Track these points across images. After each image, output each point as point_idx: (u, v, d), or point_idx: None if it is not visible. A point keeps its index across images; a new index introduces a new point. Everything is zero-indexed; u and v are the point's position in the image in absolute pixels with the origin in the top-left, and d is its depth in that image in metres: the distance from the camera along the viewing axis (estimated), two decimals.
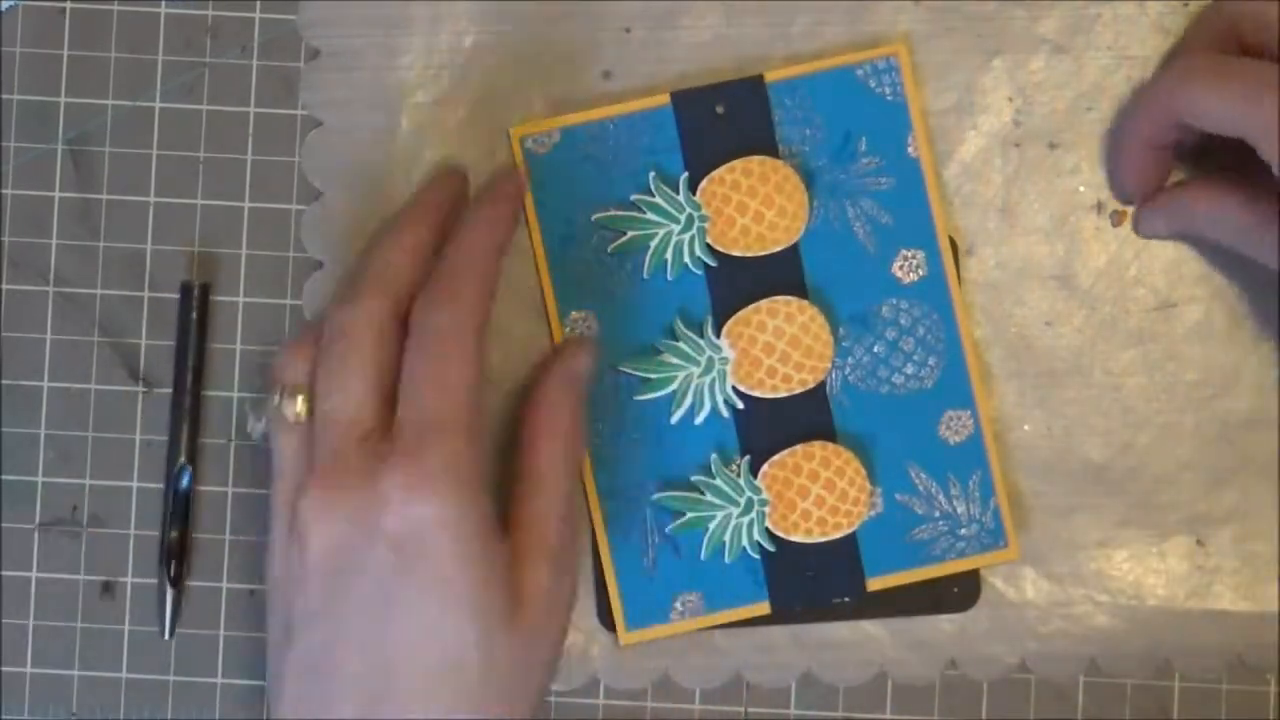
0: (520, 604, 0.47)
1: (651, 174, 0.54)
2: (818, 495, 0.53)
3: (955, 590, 0.56)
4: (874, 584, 0.54)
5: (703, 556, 0.53)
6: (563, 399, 0.51)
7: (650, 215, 0.53)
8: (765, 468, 0.53)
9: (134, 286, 0.57)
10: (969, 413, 0.54)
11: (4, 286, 0.57)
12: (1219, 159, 0.55)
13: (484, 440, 0.47)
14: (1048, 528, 0.57)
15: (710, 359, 0.53)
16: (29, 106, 0.57)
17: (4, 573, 0.57)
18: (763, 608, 0.54)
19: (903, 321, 0.54)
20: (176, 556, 0.56)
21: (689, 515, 0.53)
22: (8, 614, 0.57)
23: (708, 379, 0.53)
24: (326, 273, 0.57)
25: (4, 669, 0.57)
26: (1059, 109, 0.57)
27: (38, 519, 0.57)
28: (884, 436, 0.54)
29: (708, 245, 0.53)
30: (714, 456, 0.53)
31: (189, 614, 0.57)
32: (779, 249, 0.53)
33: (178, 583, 0.56)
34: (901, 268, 0.54)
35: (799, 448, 0.53)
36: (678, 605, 0.54)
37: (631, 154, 0.54)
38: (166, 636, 0.57)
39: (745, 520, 0.53)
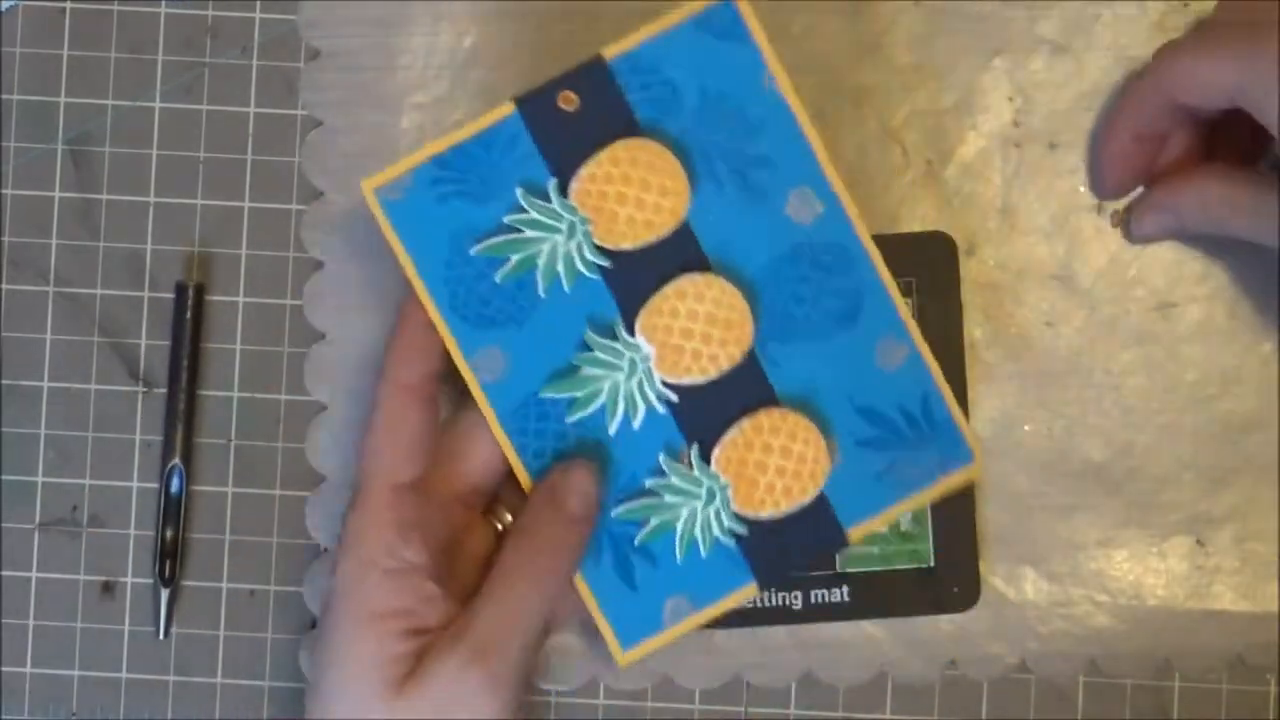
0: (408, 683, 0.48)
1: (518, 189, 0.51)
2: (777, 465, 0.52)
3: (955, 590, 0.56)
4: (854, 533, 0.53)
5: (679, 558, 0.52)
6: (540, 510, 0.51)
7: (529, 233, 0.51)
8: (716, 452, 0.52)
9: (134, 286, 0.57)
10: (901, 337, 0.52)
11: (4, 286, 0.57)
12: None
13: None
14: (1048, 528, 0.57)
15: (631, 360, 0.52)
16: (29, 106, 0.57)
17: (4, 573, 0.57)
18: (750, 589, 0.53)
19: (811, 263, 0.52)
20: (170, 556, 0.56)
21: (654, 522, 0.52)
22: (8, 614, 0.57)
23: (634, 381, 0.52)
24: (326, 273, 0.57)
25: (4, 669, 0.57)
26: (1059, 109, 0.57)
27: (38, 519, 0.57)
28: (824, 384, 0.52)
29: (596, 246, 0.51)
30: (662, 456, 0.52)
31: (188, 614, 0.57)
32: (670, 230, 0.51)
33: (171, 582, 0.56)
34: (795, 209, 0.52)
35: (745, 422, 0.52)
36: (667, 611, 0.53)
37: (492, 175, 0.51)
38: (161, 636, 0.57)
39: (711, 510, 0.52)
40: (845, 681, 0.57)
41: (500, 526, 0.53)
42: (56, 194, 0.57)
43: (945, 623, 0.57)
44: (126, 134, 0.57)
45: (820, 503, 0.52)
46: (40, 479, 0.57)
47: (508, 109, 0.51)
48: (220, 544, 0.57)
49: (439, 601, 0.49)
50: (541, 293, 0.51)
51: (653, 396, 0.52)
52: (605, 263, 0.51)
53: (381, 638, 0.48)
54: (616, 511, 0.52)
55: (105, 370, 0.57)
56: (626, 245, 0.51)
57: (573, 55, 0.57)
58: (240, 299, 0.57)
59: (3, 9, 0.57)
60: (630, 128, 0.51)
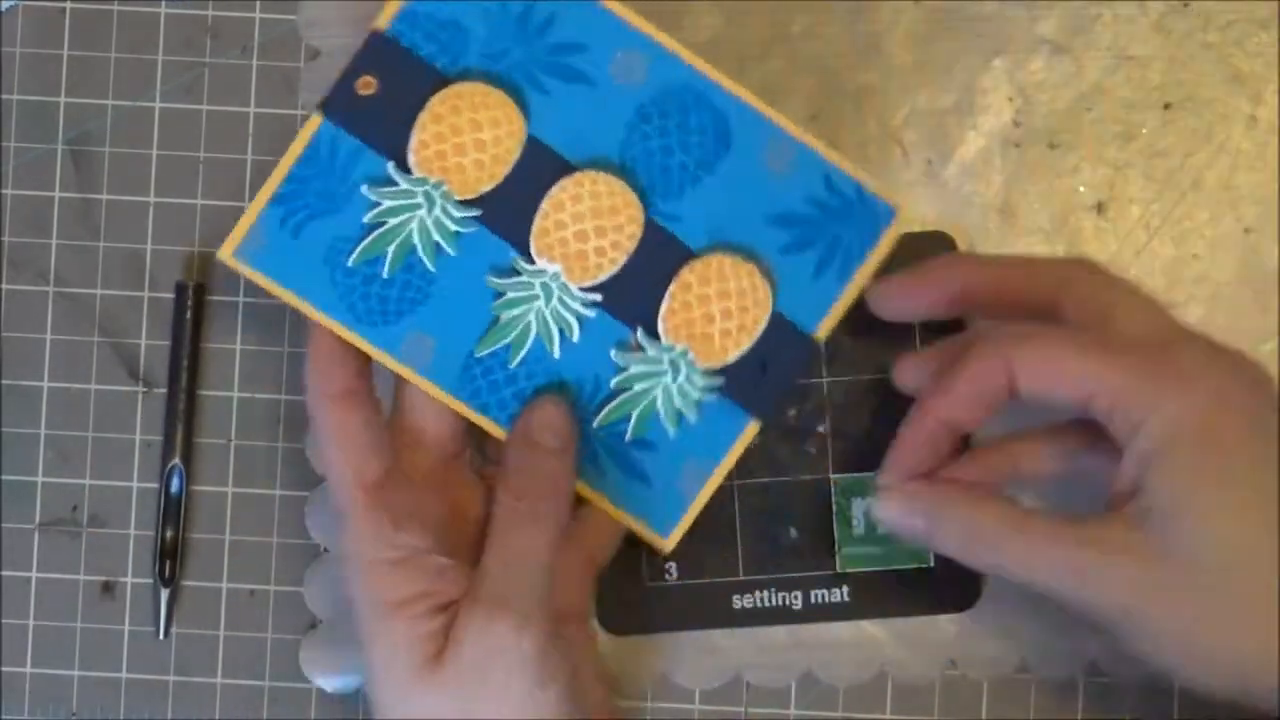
0: (442, 654, 0.49)
1: (363, 187, 0.51)
2: (722, 310, 0.52)
3: (955, 590, 0.56)
4: (821, 331, 0.53)
5: (673, 434, 0.53)
6: (516, 456, 0.51)
7: (392, 221, 0.51)
8: (661, 325, 0.52)
9: (134, 286, 0.57)
10: (781, 139, 0.52)
11: (4, 286, 0.57)
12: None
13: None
14: None
15: (544, 285, 0.52)
16: (29, 106, 0.57)
17: (4, 573, 0.57)
18: (752, 428, 0.53)
19: (661, 114, 0.52)
20: (170, 556, 0.56)
21: (635, 414, 0.53)
22: (8, 614, 0.57)
23: (554, 302, 0.52)
24: None
25: (4, 669, 0.57)
26: (1059, 109, 0.57)
27: (38, 519, 0.57)
28: (730, 215, 0.52)
29: (460, 202, 0.52)
30: (613, 352, 0.53)
31: (188, 614, 0.57)
32: (519, 154, 0.52)
33: (171, 582, 0.56)
34: (622, 74, 0.52)
35: (672, 287, 0.52)
36: (685, 484, 0.53)
37: (331, 186, 0.51)
38: (161, 636, 0.57)
39: (681, 378, 0.53)
40: (845, 681, 0.57)
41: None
42: (56, 194, 0.57)
43: (945, 623, 0.56)
44: (126, 134, 0.57)
45: (777, 321, 0.53)
46: (40, 479, 0.57)
47: (315, 120, 0.51)
48: (220, 544, 0.57)
49: (453, 572, 0.50)
50: (431, 266, 0.52)
51: (578, 306, 0.52)
52: (475, 213, 0.52)
53: (408, 623, 0.49)
54: (597, 421, 0.53)
55: (105, 370, 0.57)
56: (486, 187, 0.52)
57: None
58: (240, 299, 0.57)
59: (3, 9, 0.57)
60: (438, 81, 0.51)
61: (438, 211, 0.51)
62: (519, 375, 0.52)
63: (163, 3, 0.57)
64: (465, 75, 0.51)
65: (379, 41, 0.51)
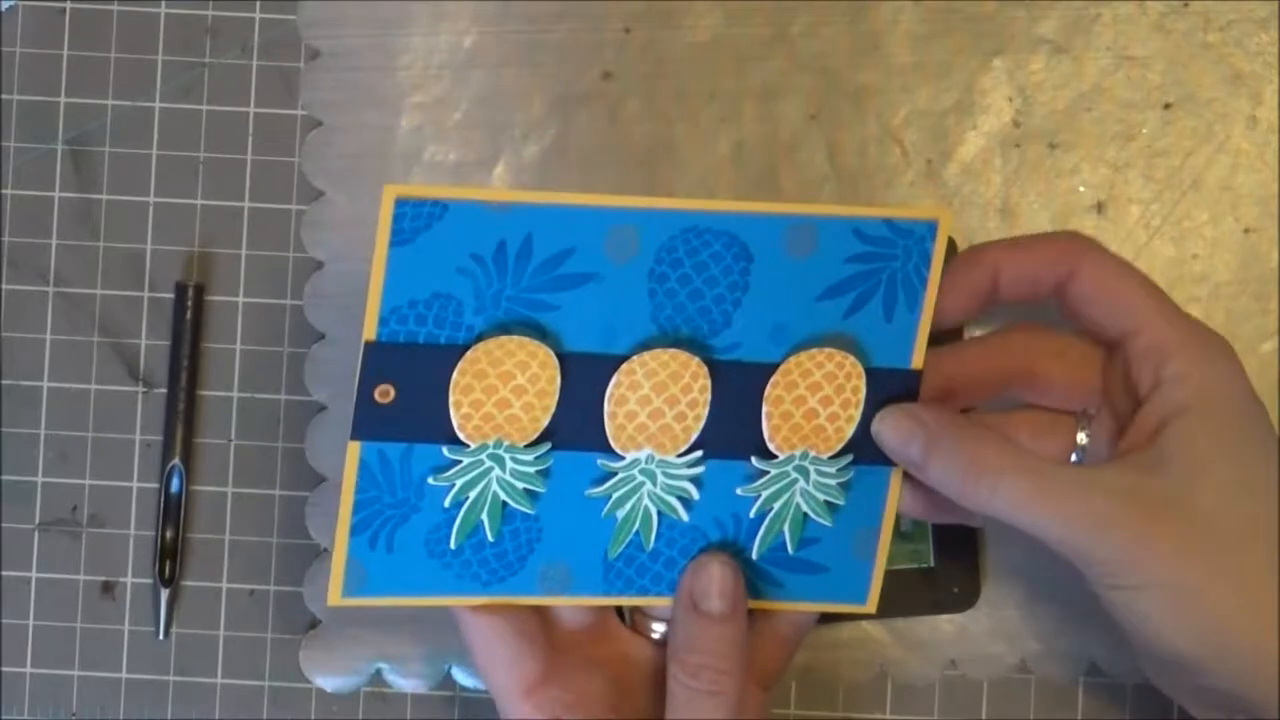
0: None
1: (429, 480, 0.49)
2: (820, 399, 0.51)
3: (955, 590, 0.56)
4: (916, 360, 0.51)
5: (830, 523, 0.52)
6: (684, 628, 0.50)
7: (472, 494, 0.50)
8: (771, 445, 0.51)
9: (133, 286, 0.57)
10: (797, 224, 0.49)
11: (4, 286, 0.57)
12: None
13: None
14: None
15: (644, 470, 0.51)
16: (29, 106, 0.57)
17: (4, 573, 0.57)
18: (897, 472, 0.52)
19: (673, 266, 0.49)
20: (170, 556, 0.56)
21: (786, 529, 0.52)
22: (8, 614, 0.57)
23: (660, 479, 0.51)
24: (326, 273, 0.57)
25: (4, 669, 0.57)
26: (1059, 109, 0.57)
27: (38, 519, 0.57)
28: (785, 318, 0.50)
29: (526, 446, 0.49)
30: (739, 490, 0.51)
31: (188, 614, 0.57)
32: (562, 377, 0.49)
33: (171, 582, 0.56)
34: (618, 254, 0.49)
35: (765, 408, 0.50)
36: (862, 552, 0.52)
37: (399, 494, 0.49)
38: (161, 636, 0.57)
39: (812, 478, 0.51)
40: (845, 681, 0.57)
41: (654, 636, 0.52)
42: (56, 194, 0.57)
43: (945, 623, 0.57)
44: (126, 134, 0.57)
45: (875, 376, 0.51)
46: (40, 479, 0.57)
47: (355, 448, 0.48)
48: (220, 544, 0.57)
49: None
50: (530, 511, 0.50)
51: (684, 470, 0.51)
52: (545, 447, 0.50)
53: None
54: (756, 551, 0.52)
55: (105, 370, 0.57)
56: (545, 421, 0.49)
57: (574, 56, 0.57)
58: (240, 299, 0.57)
59: (3, 9, 0.57)
60: (451, 355, 0.48)
61: (511, 465, 0.50)
62: (660, 549, 0.51)
63: (163, 3, 0.57)
64: (473, 337, 0.48)
65: (377, 351, 0.48)
